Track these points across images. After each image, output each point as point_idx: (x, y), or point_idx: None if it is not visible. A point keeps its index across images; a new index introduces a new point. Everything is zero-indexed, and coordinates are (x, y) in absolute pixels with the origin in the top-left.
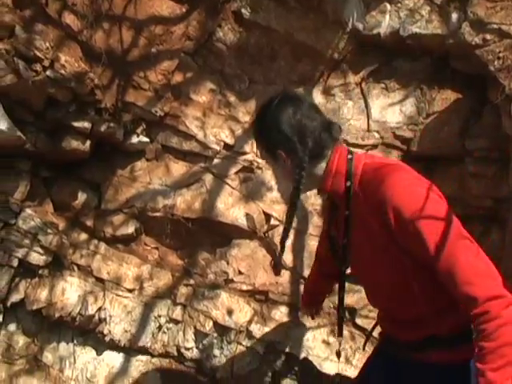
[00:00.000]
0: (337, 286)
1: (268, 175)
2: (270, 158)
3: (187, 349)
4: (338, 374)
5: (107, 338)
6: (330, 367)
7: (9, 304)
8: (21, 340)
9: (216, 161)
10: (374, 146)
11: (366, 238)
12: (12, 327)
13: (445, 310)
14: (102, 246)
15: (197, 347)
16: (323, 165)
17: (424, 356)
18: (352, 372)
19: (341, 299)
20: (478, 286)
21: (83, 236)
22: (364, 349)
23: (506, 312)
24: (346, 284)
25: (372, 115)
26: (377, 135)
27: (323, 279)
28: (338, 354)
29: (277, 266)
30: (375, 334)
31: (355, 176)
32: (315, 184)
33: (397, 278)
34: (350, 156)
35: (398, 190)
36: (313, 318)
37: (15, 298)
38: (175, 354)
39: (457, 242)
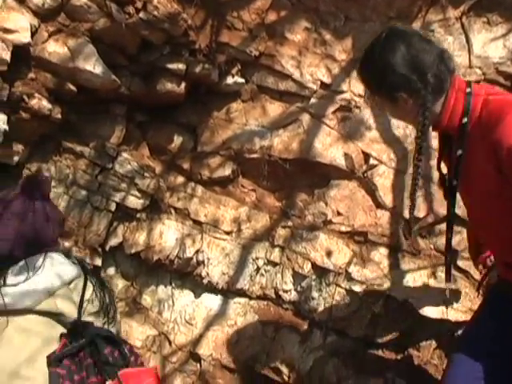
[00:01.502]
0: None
1: (367, 114)
2: (385, 102)
3: (285, 291)
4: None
5: (205, 281)
6: (430, 310)
7: (108, 248)
8: (120, 283)
9: (313, 100)
10: (477, 83)
11: (481, 181)
12: (111, 271)
13: None
14: (199, 189)
15: (295, 289)
16: (442, 100)
17: None
18: (453, 315)
19: (448, 241)
20: None
21: (180, 179)
22: (478, 292)
23: None
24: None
25: (474, 51)
26: (479, 71)
27: None
28: (447, 302)
29: (408, 236)
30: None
31: (473, 112)
32: (431, 121)
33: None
34: (468, 90)
35: None
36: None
37: (114, 241)
38: (273, 296)
39: None
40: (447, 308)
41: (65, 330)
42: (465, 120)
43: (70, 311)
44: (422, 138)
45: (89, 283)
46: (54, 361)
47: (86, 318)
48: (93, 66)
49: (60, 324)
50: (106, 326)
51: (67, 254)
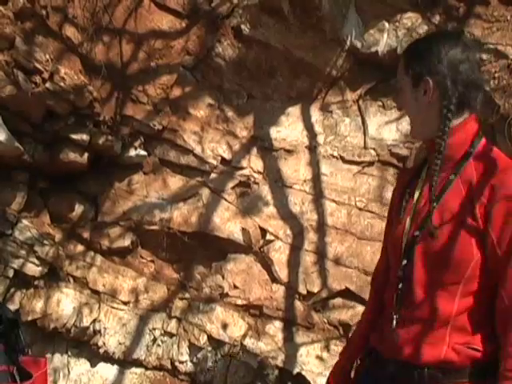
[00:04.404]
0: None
1: (265, 190)
2: (408, 81)
3: (181, 362)
4: None
5: (101, 350)
6: (323, 383)
7: None
8: None
9: (213, 175)
10: (371, 163)
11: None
12: None
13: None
14: (98, 258)
15: (191, 361)
16: (454, 122)
17: None
18: None
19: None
20: None
21: (79, 248)
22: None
23: None
24: (340, 300)
25: (369, 132)
26: (373, 152)
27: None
28: None
29: None
30: None
31: (477, 150)
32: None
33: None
34: (480, 133)
35: None
36: None
37: (10, 308)
38: (169, 367)
39: None
40: None
41: None
42: (471, 150)
43: None
44: (441, 144)
45: None
46: None
47: None
48: None
49: None
50: None
51: None
